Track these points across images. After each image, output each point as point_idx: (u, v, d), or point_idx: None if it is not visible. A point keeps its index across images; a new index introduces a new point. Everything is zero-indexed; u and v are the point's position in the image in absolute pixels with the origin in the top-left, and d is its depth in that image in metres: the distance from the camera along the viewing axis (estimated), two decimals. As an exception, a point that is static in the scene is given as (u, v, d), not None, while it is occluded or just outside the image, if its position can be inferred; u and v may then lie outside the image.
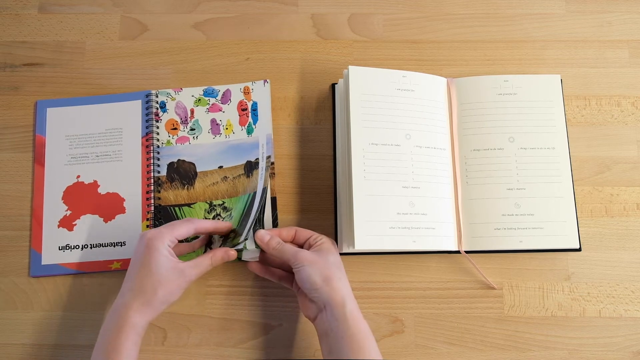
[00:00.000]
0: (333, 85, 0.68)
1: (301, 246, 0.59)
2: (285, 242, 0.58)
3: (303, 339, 0.61)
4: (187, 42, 0.71)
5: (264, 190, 0.61)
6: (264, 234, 0.58)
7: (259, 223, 0.61)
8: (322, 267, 0.54)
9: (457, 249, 0.62)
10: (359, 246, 0.58)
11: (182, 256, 0.61)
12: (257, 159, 0.65)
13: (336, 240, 0.63)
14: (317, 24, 0.71)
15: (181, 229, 0.56)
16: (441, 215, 0.62)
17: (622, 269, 0.63)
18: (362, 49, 0.70)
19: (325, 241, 0.58)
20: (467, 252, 0.62)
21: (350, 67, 0.62)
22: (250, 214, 0.61)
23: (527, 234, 0.61)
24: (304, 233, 0.60)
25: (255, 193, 0.62)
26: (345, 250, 0.62)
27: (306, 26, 0.71)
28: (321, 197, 0.65)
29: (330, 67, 0.70)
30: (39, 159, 0.66)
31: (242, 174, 0.65)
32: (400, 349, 0.61)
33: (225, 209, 0.64)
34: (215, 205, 0.64)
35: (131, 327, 0.52)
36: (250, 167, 0.65)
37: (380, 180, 0.60)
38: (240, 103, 0.67)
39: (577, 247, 0.61)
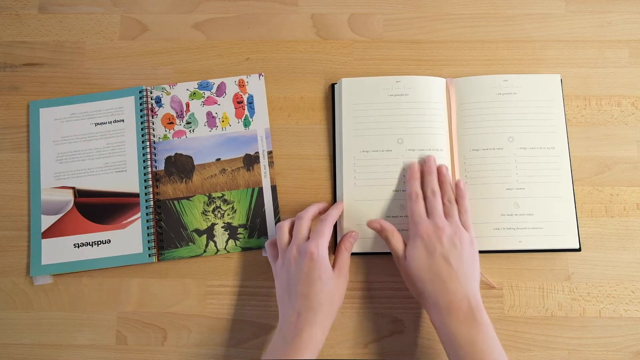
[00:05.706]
0: (333, 85, 0.68)
1: None
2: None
3: (303, 339, 0.61)
4: (187, 42, 0.71)
5: (274, 188, 0.64)
6: (373, 220, 0.58)
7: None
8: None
9: (457, 249, 0.62)
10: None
11: None
12: (257, 152, 0.65)
13: (336, 240, 0.63)
14: (317, 24, 0.71)
15: (328, 233, 0.56)
16: (441, 215, 0.62)
17: (622, 269, 0.63)
18: (362, 49, 0.70)
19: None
20: (467, 252, 0.62)
21: (343, 80, 0.64)
22: (262, 211, 0.63)
23: (526, 234, 0.61)
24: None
25: (261, 188, 0.64)
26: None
27: (306, 26, 0.71)
28: (321, 197, 0.65)
29: (330, 67, 0.70)
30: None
31: (241, 167, 0.65)
32: (400, 348, 0.61)
33: (225, 201, 0.64)
34: (214, 198, 0.65)
35: (314, 345, 0.51)
36: (250, 161, 0.65)
37: (369, 185, 0.62)
38: (236, 96, 0.68)
39: (577, 247, 0.61)
